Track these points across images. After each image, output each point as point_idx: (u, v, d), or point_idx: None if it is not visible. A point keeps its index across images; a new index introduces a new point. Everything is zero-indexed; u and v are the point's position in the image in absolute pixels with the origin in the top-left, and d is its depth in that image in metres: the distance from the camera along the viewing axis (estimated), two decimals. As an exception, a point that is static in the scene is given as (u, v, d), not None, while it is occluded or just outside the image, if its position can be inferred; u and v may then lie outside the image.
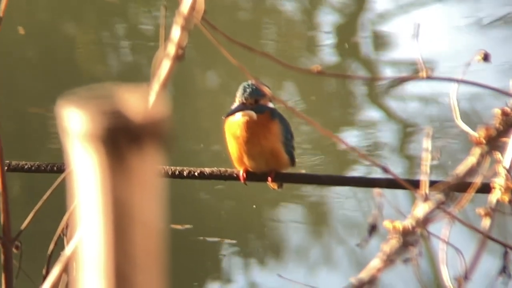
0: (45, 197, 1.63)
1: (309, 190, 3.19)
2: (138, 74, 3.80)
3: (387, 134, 3.44)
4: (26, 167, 1.86)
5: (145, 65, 3.87)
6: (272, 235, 3.08)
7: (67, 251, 1.17)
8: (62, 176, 1.60)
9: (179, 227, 3.06)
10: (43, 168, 1.85)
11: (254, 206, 3.12)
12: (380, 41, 3.97)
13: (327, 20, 4.10)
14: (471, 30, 3.96)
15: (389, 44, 3.94)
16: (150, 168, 0.70)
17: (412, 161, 3.30)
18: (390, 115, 3.45)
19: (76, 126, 0.69)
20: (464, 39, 3.88)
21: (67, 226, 1.54)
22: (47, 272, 1.59)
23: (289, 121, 1.88)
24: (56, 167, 1.85)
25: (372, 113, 3.54)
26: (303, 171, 3.18)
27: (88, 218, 0.71)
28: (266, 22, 4.10)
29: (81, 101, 0.70)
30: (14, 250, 1.60)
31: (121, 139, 0.68)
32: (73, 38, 3.99)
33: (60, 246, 1.50)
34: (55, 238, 1.57)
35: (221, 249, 3.04)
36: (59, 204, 1.56)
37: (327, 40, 3.98)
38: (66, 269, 1.17)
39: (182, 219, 3.09)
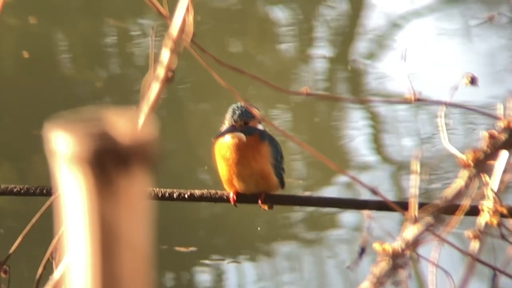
0: (33, 220, 1.62)
1: (316, 210, 3.21)
2: (129, 96, 3.81)
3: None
4: (15, 190, 1.85)
5: (136, 86, 3.89)
6: (277, 256, 3.08)
7: (56, 275, 1.16)
8: (51, 199, 1.59)
9: (183, 249, 3.06)
10: (32, 191, 1.85)
11: (259, 228, 3.13)
12: (372, 64, 4.00)
13: (322, 43, 4.14)
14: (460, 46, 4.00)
15: (380, 67, 3.97)
16: (138, 191, 0.70)
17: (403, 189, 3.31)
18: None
19: (64, 149, 0.69)
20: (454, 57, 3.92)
21: (56, 249, 1.53)
22: (36, 296, 1.58)
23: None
24: (45, 190, 1.84)
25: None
26: (308, 193, 3.19)
27: (76, 240, 0.71)
28: (259, 46, 4.13)
29: (69, 124, 0.70)
30: (2, 274, 1.59)
31: (108, 161, 0.68)
32: (64, 61, 4.01)
33: (49, 270, 1.49)
34: (43, 262, 1.56)
35: (225, 271, 3.04)
36: (48, 227, 1.55)
37: (319, 63, 4.01)
38: (54, 293, 1.16)
39: (186, 242, 3.09)
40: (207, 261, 3.05)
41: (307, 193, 3.22)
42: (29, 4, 4.25)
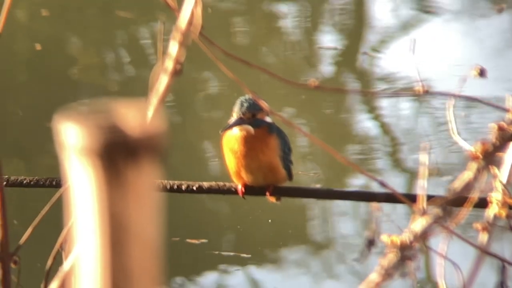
0: (43, 212, 1.63)
1: (327, 204, 3.21)
2: (138, 89, 3.82)
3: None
4: (25, 182, 1.86)
5: (145, 80, 3.90)
6: (288, 249, 3.09)
7: (65, 266, 1.17)
8: (61, 190, 1.60)
9: (195, 241, 3.08)
10: (41, 183, 1.86)
11: (270, 220, 3.14)
12: (380, 56, 3.99)
13: (329, 36, 4.13)
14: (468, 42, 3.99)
15: (389, 59, 3.96)
16: (147, 183, 0.70)
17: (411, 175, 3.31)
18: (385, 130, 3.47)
19: (74, 141, 0.70)
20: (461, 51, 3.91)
21: (65, 240, 1.54)
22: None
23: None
24: (55, 181, 1.85)
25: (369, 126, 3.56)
26: (318, 186, 3.19)
27: (85, 232, 0.71)
28: (267, 38, 4.13)
29: (79, 116, 0.70)
30: (12, 265, 1.60)
31: (118, 153, 0.69)
32: (76, 54, 4.03)
33: (58, 261, 1.50)
34: (53, 253, 1.57)
35: (236, 263, 3.06)
36: (57, 218, 1.56)
37: (328, 55, 4.01)
38: (64, 284, 1.17)
39: (198, 234, 3.11)
40: (218, 253, 3.07)
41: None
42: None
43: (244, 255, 3.05)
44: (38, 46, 4.00)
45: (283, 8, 4.30)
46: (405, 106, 3.66)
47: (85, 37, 4.11)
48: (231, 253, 3.06)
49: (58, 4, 4.27)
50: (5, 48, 3.99)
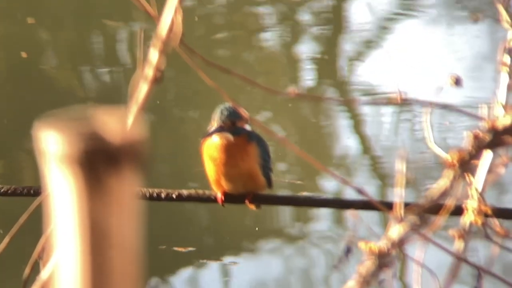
0: (21, 221, 1.62)
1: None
2: (117, 97, 3.82)
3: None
4: (2, 190, 1.85)
5: (124, 88, 3.90)
6: (275, 256, 3.10)
7: (43, 275, 1.16)
8: (39, 199, 1.59)
9: (181, 249, 3.08)
10: (19, 191, 1.85)
11: (257, 228, 3.15)
12: (358, 66, 4.02)
13: (308, 45, 4.16)
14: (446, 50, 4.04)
15: (368, 68, 3.99)
16: (128, 190, 0.70)
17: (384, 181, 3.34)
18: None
19: (53, 148, 0.70)
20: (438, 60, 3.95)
21: (43, 250, 1.53)
22: (23, 296, 1.58)
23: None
24: (32, 190, 1.84)
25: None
26: (305, 193, 3.20)
27: (65, 240, 0.71)
28: (248, 47, 4.14)
29: (59, 123, 0.70)
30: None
31: (98, 161, 0.69)
32: (59, 61, 4.02)
33: (36, 270, 1.49)
34: (31, 262, 1.56)
35: (224, 271, 3.06)
36: (35, 227, 1.55)
37: (308, 64, 4.03)
38: (42, 293, 1.16)
39: (185, 242, 3.11)
40: (205, 261, 3.07)
41: (305, 193, 3.24)
42: (27, 4, 4.26)
43: (232, 263, 3.05)
44: (24, 54, 3.99)
45: (264, 17, 4.32)
46: (384, 114, 3.69)
47: (69, 45, 4.10)
48: (218, 261, 3.06)
49: (44, 12, 4.26)
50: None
